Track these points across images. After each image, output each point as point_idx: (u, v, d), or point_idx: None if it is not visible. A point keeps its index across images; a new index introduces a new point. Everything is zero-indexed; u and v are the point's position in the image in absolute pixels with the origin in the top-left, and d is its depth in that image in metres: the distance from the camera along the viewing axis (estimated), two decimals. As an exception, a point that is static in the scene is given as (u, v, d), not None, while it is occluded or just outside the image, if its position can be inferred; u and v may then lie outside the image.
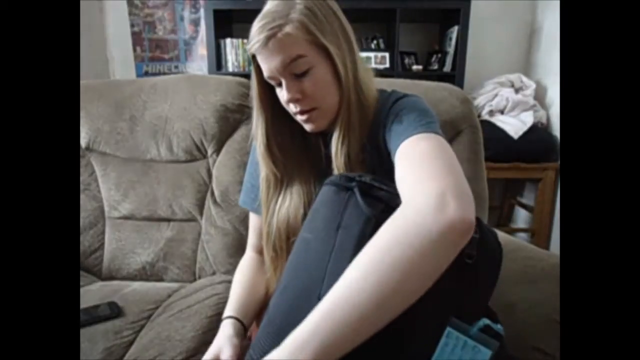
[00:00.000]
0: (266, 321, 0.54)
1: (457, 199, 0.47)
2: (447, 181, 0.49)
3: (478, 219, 0.56)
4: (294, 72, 0.63)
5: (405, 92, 0.72)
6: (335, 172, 0.67)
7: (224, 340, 0.64)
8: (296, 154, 0.73)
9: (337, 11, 0.66)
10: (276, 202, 0.74)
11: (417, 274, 0.45)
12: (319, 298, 0.47)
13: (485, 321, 0.51)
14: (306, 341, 0.44)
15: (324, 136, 0.73)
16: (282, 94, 0.66)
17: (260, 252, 0.82)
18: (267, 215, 0.75)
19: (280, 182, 0.73)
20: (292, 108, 0.67)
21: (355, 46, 0.67)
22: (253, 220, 0.86)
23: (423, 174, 0.52)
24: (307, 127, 0.69)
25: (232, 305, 0.73)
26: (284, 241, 0.72)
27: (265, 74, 0.65)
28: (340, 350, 0.44)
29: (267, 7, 0.63)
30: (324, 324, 0.44)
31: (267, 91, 0.69)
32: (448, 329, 0.50)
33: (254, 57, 0.65)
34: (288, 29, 0.60)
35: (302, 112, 0.66)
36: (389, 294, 0.44)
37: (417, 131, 0.59)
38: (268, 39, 0.60)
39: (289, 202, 0.72)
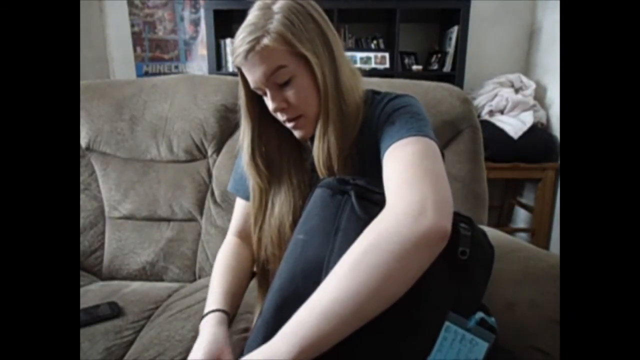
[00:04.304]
0: (261, 322, 0.54)
1: (434, 207, 0.49)
2: (427, 189, 0.51)
3: (469, 218, 0.58)
4: (277, 82, 0.63)
5: (397, 93, 0.71)
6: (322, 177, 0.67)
7: (222, 339, 0.63)
8: (284, 161, 0.73)
9: (317, 17, 0.65)
10: (265, 209, 0.74)
11: (393, 278, 0.47)
12: None
13: (481, 314, 0.53)
14: (292, 334, 0.47)
15: (313, 140, 0.72)
16: (268, 104, 0.66)
17: (243, 237, 0.82)
18: (256, 222, 0.75)
19: (266, 191, 0.74)
20: (279, 116, 0.67)
21: (338, 51, 0.66)
22: (240, 204, 0.84)
23: (406, 181, 0.53)
24: (296, 134, 0.69)
25: (219, 296, 0.70)
26: (276, 247, 0.72)
27: (251, 84, 0.65)
28: (323, 344, 0.47)
29: (248, 18, 0.64)
30: (307, 319, 0.47)
31: (254, 100, 0.70)
32: (447, 323, 0.52)
33: (239, 67, 0.66)
34: (266, 41, 0.60)
35: (289, 120, 0.67)
36: (366, 296, 0.46)
37: (409, 134, 0.60)
38: (247, 52, 0.61)
39: (279, 209, 0.72)
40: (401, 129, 0.61)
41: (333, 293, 0.47)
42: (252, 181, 0.74)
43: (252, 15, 0.63)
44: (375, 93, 0.73)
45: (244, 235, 0.81)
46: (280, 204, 0.72)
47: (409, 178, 0.53)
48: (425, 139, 0.59)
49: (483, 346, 0.51)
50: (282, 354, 0.46)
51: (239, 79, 0.69)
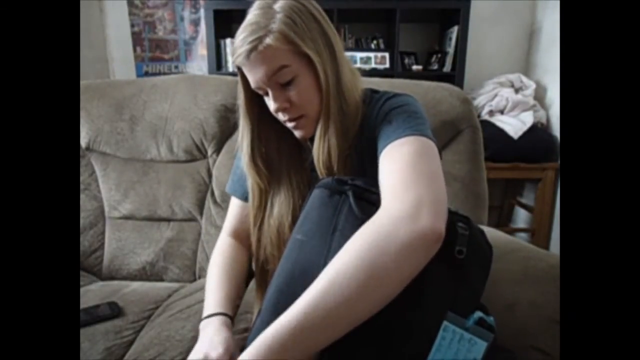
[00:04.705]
0: (260, 323, 0.54)
1: (430, 209, 0.49)
2: (423, 191, 0.51)
3: (467, 217, 0.58)
4: (279, 81, 0.62)
5: (395, 92, 0.71)
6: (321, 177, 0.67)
7: (233, 341, 0.62)
8: (284, 162, 0.73)
9: (318, 16, 0.64)
10: (265, 209, 0.73)
11: (388, 278, 0.47)
12: None
13: (479, 314, 0.53)
14: (282, 334, 0.47)
15: (312, 140, 0.71)
16: (270, 104, 0.66)
17: (236, 236, 0.81)
18: (255, 222, 0.75)
19: (266, 191, 0.73)
20: (280, 117, 0.67)
21: (339, 50, 0.66)
22: (235, 205, 0.82)
23: (401, 181, 0.53)
24: (297, 133, 0.69)
25: (220, 299, 0.68)
26: (275, 248, 0.72)
27: (252, 84, 0.65)
28: (313, 345, 0.47)
29: (248, 17, 0.63)
30: (297, 320, 0.47)
31: (254, 100, 0.69)
32: (445, 322, 0.52)
33: (239, 67, 0.65)
34: (269, 40, 0.59)
35: (290, 120, 0.66)
36: (360, 296, 0.47)
37: (405, 133, 0.59)
38: (250, 51, 0.60)
39: (278, 209, 0.72)
40: (398, 128, 0.61)
41: (324, 294, 0.47)
42: (251, 181, 0.73)
43: (253, 14, 0.63)
44: (373, 92, 0.72)
45: (237, 235, 0.81)
46: (280, 204, 0.72)
47: (405, 178, 0.53)
48: (422, 138, 0.59)
49: (482, 345, 0.51)
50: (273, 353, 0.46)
51: (238, 79, 0.69)
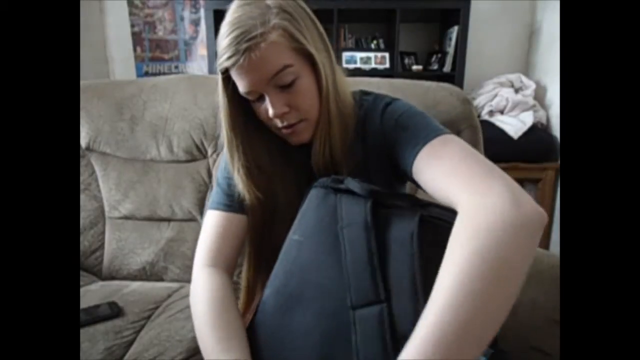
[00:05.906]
0: (260, 322, 0.54)
1: (524, 194, 0.46)
2: (505, 179, 0.48)
3: None
4: (279, 84, 0.56)
5: (391, 97, 0.67)
6: None
7: None
8: (277, 171, 0.67)
9: (310, 12, 0.60)
10: (265, 223, 0.68)
11: (512, 270, 0.43)
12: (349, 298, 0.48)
13: None
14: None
15: (306, 146, 0.65)
16: (264, 109, 0.59)
17: (217, 263, 0.66)
18: (256, 238, 0.70)
19: (266, 204, 0.67)
20: (276, 123, 0.60)
21: (331, 49, 0.62)
22: (213, 224, 0.68)
23: (474, 174, 0.50)
24: (292, 139, 0.63)
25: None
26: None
27: (244, 89, 0.57)
28: None
29: (237, 13, 0.55)
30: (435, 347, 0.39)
31: (239, 109, 0.62)
32: None
33: (225, 72, 0.58)
34: (273, 36, 0.53)
35: (288, 126, 0.60)
36: (491, 299, 0.41)
37: (436, 134, 0.56)
38: (251, 50, 0.53)
39: (278, 220, 0.67)
40: (422, 131, 0.57)
41: (453, 309, 0.40)
42: (250, 197, 0.66)
43: (243, 9, 0.55)
44: (364, 93, 0.69)
45: (216, 260, 0.66)
46: (278, 214, 0.68)
47: (476, 171, 0.50)
48: (455, 136, 0.56)
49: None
50: None
51: (219, 85, 0.60)
